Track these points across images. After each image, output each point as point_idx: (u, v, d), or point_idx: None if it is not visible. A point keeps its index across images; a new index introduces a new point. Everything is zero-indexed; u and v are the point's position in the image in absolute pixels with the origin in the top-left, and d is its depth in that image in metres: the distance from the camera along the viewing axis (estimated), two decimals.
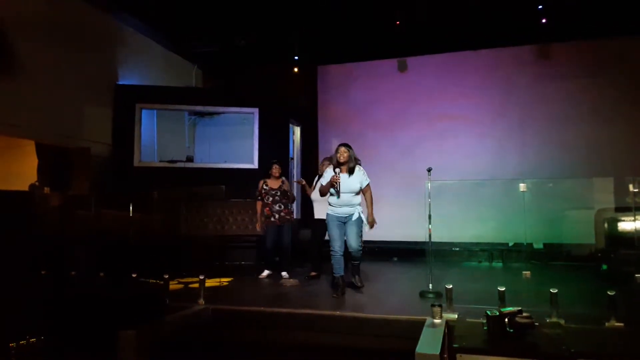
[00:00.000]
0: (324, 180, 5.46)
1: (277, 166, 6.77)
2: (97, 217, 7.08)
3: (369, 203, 5.44)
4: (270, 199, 6.67)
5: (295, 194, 7.66)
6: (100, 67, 8.35)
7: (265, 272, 6.73)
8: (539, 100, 9.35)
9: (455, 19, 8.62)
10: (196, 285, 4.99)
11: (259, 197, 6.72)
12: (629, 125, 8.77)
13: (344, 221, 5.41)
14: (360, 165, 5.48)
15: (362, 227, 5.42)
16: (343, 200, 5.35)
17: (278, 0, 8.02)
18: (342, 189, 5.31)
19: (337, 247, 5.39)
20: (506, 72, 9.61)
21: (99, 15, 8.21)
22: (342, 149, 5.38)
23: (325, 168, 6.50)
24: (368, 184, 5.44)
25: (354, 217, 5.36)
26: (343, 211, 5.39)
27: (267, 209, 6.68)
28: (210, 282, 6.10)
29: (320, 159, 7.10)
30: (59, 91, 7.34)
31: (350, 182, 5.34)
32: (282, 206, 6.67)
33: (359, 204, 5.45)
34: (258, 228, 6.77)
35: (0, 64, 6.46)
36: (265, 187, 6.72)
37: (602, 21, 8.38)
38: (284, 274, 6.56)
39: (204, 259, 7.30)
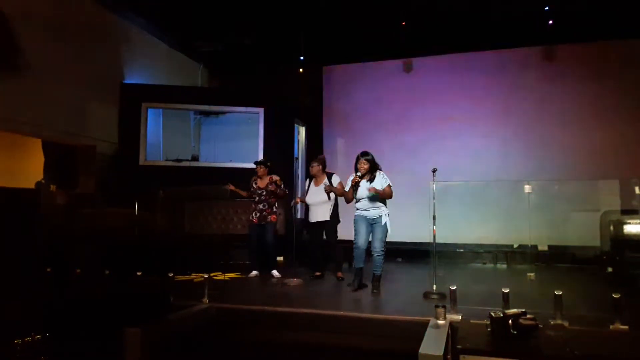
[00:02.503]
0: (347, 187, 5.66)
1: (261, 167, 6.80)
2: (102, 215, 7.10)
3: (383, 190, 5.41)
4: (256, 197, 6.74)
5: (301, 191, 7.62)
6: (106, 65, 8.39)
7: (253, 272, 6.71)
8: (544, 101, 9.33)
9: (461, 20, 8.61)
10: (201, 282, 4.98)
11: (250, 190, 6.83)
12: (635, 127, 8.74)
13: (372, 222, 5.54)
14: (380, 169, 5.59)
15: (386, 232, 5.50)
16: (366, 203, 5.51)
17: (284, 0, 8.02)
18: (364, 194, 5.47)
19: (360, 241, 5.55)
20: (511, 74, 9.59)
21: (105, 14, 8.25)
22: (363, 160, 5.52)
23: (315, 170, 6.54)
24: (389, 185, 5.50)
25: (382, 221, 5.47)
26: (371, 213, 5.54)
27: (252, 205, 6.76)
28: (214, 275, 6.15)
29: (326, 158, 7.07)
30: (65, 89, 7.38)
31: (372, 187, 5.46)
32: (266, 205, 6.69)
33: (385, 206, 5.55)
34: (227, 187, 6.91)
35: (7, 61, 6.50)
36: (254, 185, 6.80)
37: (608, 23, 8.36)
38: (274, 272, 6.62)
39: (208, 257, 7.32)
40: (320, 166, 6.59)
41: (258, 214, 6.71)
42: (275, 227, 6.80)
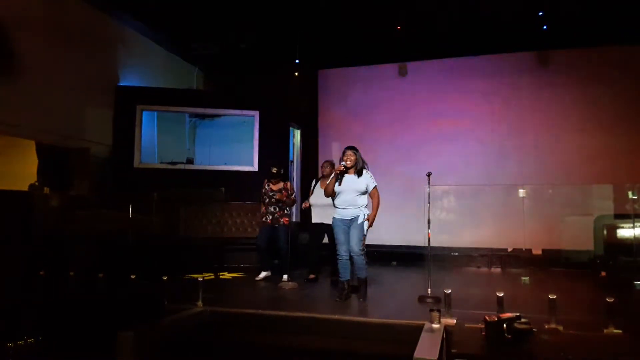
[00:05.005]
0: (330, 178, 5.41)
1: (276, 168, 6.76)
2: (96, 218, 7.07)
3: (374, 206, 5.27)
4: (267, 199, 6.70)
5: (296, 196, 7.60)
6: (101, 68, 8.37)
7: (262, 274, 6.67)
8: (539, 106, 9.38)
9: (456, 24, 8.64)
10: (196, 284, 4.95)
11: (262, 198, 6.75)
12: (629, 132, 8.79)
13: (349, 225, 5.24)
14: (367, 169, 5.34)
15: (364, 231, 5.23)
16: (347, 199, 5.21)
17: (279, 4, 8.04)
18: (347, 188, 5.20)
19: (342, 251, 5.28)
20: (506, 78, 9.64)
21: (100, 16, 8.22)
22: (349, 152, 5.25)
23: (326, 170, 6.51)
24: (375, 187, 5.26)
25: (359, 220, 5.19)
26: (348, 213, 5.22)
27: (264, 208, 6.72)
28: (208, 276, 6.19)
29: (320, 162, 7.06)
30: (60, 92, 7.35)
31: (357, 183, 5.20)
32: (277, 208, 6.67)
33: (365, 206, 5.28)
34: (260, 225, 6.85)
35: (2, 64, 6.47)
36: (266, 187, 6.76)
37: (603, 29, 8.40)
38: (284, 277, 6.52)
39: (202, 260, 7.31)
40: (329, 168, 6.48)
41: (270, 217, 6.65)
42: (288, 230, 6.66)
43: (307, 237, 7.12)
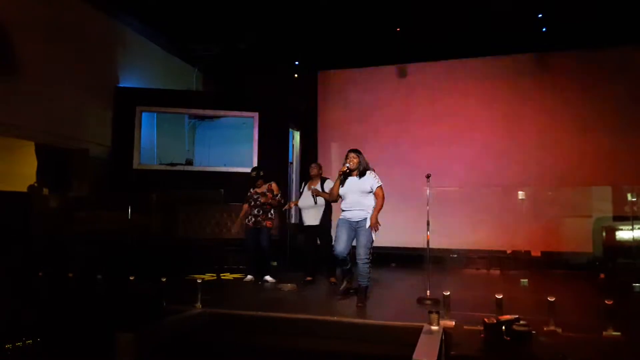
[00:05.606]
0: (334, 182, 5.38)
1: (254, 172, 6.87)
2: (95, 219, 7.07)
3: (377, 206, 5.10)
4: (252, 202, 6.73)
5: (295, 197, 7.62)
6: (101, 69, 8.37)
7: (248, 277, 6.70)
8: (538, 108, 9.38)
9: (456, 26, 8.65)
10: (196, 286, 4.94)
11: (246, 201, 6.84)
12: (627, 134, 8.79)
13: (355, 226, 5.11)
14: (371, 170, 5.23)
15: (372, 236, 5.08)
16: (352, 201, 5.13)
17: (280, 5, 8.05)
18: (350, 189, 5.13)
19: (339, 249, 5.10)
20: (505, 81, 9.64)
21: (100, 17, 8.23)
22: (352, 154, 5.17)
23: (314, 171, 6.54)
24: (380, 187, 5.12)
25: (367, 225, 5.03)
26: (355, 215, 5.11)
27: (248, 208, 6.78)
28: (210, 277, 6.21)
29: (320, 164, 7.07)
30: (59, 93, 7.35)
31: (360, 183, 5.11)
32: (261, 211, 6.68)
33: (373, 208, 5.11)
34: (232, 230, 7.14)
35: (1, 64, 6.47)
36: (251, 189, 6.81)
37: (603, 31, 8.41)
38: (267, 277, 6.59)
39: (202, 261, 7.31)
40: (317, 169, 6.58)
41: (252, 219, 6.69)
42: (270, 233, 6.73)
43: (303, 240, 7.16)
